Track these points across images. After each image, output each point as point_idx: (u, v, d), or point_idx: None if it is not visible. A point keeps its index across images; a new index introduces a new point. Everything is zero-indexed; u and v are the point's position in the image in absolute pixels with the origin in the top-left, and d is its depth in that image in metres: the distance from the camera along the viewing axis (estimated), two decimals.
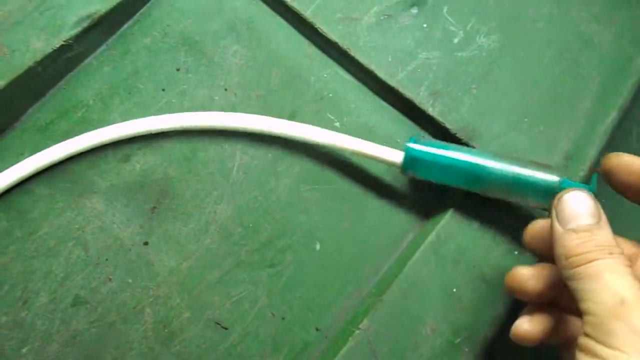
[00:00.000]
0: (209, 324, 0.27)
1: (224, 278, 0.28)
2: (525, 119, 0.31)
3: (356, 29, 0.33)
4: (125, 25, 0.33)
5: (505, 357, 0.28)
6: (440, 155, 0.27)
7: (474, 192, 0.28)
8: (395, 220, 0.30)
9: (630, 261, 0.23)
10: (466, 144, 0.30)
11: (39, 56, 0.30)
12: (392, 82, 0.31)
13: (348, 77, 0.33)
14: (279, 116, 0.30)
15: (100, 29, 0.31)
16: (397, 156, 0.28)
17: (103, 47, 0.32)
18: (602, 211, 0.23)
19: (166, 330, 0.27)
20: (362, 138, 0.29)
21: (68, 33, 0.30)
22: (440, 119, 0.31)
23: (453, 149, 0.28)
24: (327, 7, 0.33)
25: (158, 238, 0.29)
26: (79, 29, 0.30)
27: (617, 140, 0.32)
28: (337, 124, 0.32)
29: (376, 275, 0.29)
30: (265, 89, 0.32)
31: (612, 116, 0.32)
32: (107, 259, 0.28)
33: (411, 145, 0.28)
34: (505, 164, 0.27)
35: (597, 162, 0.31)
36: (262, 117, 0.30)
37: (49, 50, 0.30)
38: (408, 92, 0.31)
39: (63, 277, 0.27)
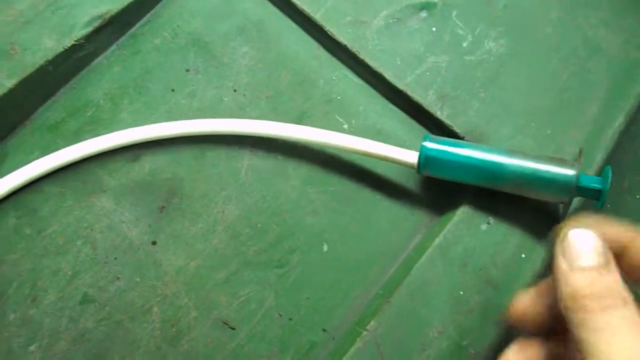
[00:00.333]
0: (216, 324, 0.27)
1: (232, 278, 0.28)
2: (533, 123, 0.31)
3: (365, 32, 0.33)
4: (136, 26, 0.33)
5: None
6: (456, 154, 0.28)
7: (487, 188, 0.28)
8: (402, 221, 0.30)
9: (625, 248, 0.21)
10: None
11: (50, 55, 0.30)
12: (400, 85, 0.32)
13: (357, 79, 0.33)
14: (288, 118, 0.30)
15: (111, 28, 0.32)
16: (411, 156, 0.28)
17: (114, 46, 0.32)
18: (610, 253, 0.21)
19: (174, 329, 0.27)
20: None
21: (79, 32, 0.30)
22: (448, 122, 0.31)
23: (468, 147, 0.28)
24: (337, 10, 0.33)
25: (166, 237, 0.29)
26: (90, 28, 0.31)
27: (624, 145, 0.32)
28: (345, 126, 0.32)
29: (383, 277, 0.29)
30: (274, 90, 0.32)
31: (619, 121, 0.32)
32: (115, 258, 0.28)
33: (427, 144, 0.28)
34: (521, 159, 0.27)
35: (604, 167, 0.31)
36: (277, 124, 0.30)
37: (60, 49, 0.30)
38: (416, 95, 0.31)
39: (71, 275, 0.27)
